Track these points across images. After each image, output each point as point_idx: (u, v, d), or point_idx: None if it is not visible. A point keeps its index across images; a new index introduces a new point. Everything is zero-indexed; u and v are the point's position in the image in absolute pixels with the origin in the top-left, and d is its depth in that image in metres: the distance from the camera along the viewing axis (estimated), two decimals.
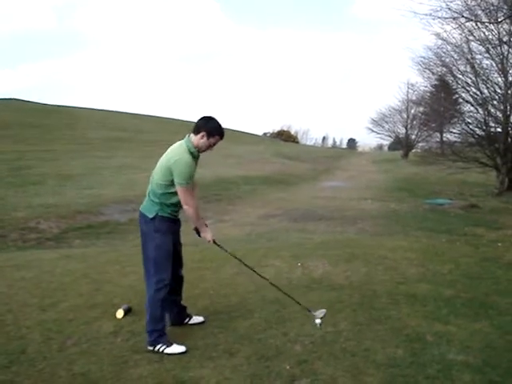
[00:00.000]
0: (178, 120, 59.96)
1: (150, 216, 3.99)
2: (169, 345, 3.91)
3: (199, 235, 4.21)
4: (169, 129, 47.98)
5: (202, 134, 3.97)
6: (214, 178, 18.81)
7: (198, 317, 4.58)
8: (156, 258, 3.99)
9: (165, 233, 4.02)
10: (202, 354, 3.89)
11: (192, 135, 4.01)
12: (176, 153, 3.94)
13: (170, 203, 4.00)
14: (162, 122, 54.56)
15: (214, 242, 4.26)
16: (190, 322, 4.51)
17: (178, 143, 4.05)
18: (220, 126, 4.06)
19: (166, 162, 3.92)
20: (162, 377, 3.53)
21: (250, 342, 4.08)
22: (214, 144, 4.06)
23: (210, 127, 4.00)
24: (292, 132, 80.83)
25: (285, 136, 72.82)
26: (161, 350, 3.89)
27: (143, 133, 41.48)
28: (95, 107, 58.29)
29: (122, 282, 5.84)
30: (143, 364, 3.73)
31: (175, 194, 3.96)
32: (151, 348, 3.92)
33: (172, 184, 3.92)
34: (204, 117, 4.07)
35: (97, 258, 7.27)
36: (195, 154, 4.00)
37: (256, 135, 71.17)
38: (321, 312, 4.44)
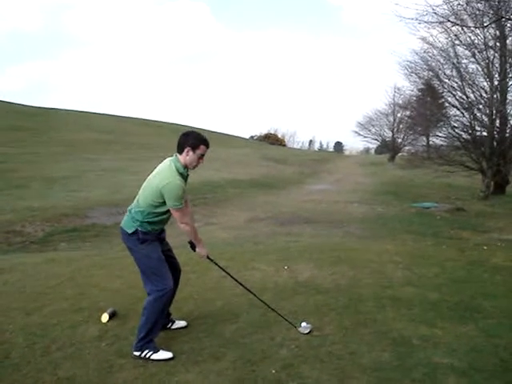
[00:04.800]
0: (165, 123, 59.79)
1: (130, 231, 3.96)
2: (156, 351, 3.88)
3: (194, 250, 4.19)
4: (155, 132, 47.91)
5: (186, 150, 3.92)
6: (201, 181, 18.73)
7: (180, 321, 4.56)
8: (150, 267, 3.96)
9: (150, 242, 4.00)
10: (188, 358, 3.87)
11: (178, 155, 3.97)
12: (166, 175, 3.85)
13: (153, 222, 3.97)
14: (148, 125, 54.38)
15: (208, 257, 4.25)
16: (172, 327, 4.49)
17: (167, 164, 3.96)
18: (201, 135, 4.01)
19: (157, 184, 3.84)
20: (147, 381, 3.50)
21: (236, 347, 4.07)
22: (202, 155, 4.00)
23: (191, 141, 3.94)
24: (279, 135, 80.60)
25: (272, 139, 72.71)
26: (147, 355, 3.84)
27: (130, 135, 41.31)
28: (82, 109, 57.91)
29: (107, 286, 5.80)
30: (128, 368, 3.71)
31: (161, 214, 3.96)
32: (137, 354, 3.87)
33: (161, 205, 3.88)
34: (183, 134, 4.03)
35: (82, 262, 7.20)
36: (184, 173, 3.97)
37: (243, 138, 71.17)
38: (305, 328, 4.39)
